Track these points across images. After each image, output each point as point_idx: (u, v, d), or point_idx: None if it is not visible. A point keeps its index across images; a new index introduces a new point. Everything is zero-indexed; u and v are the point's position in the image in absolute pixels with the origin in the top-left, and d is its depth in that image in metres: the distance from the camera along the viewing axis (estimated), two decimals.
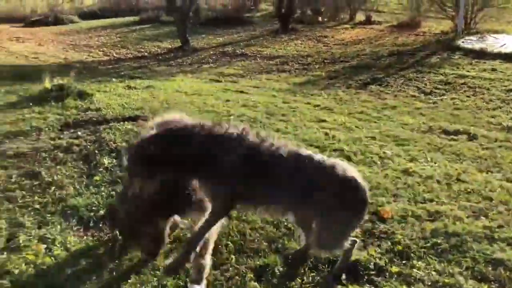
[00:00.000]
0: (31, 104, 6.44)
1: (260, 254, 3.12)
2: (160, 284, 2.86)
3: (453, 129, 5.63)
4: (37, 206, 3.86)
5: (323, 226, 2.66)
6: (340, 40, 13.42)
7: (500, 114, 6.29)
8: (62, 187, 4.16)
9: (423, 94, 7.58)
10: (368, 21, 15.90)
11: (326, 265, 2.98)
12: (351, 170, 2.71)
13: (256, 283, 2.84)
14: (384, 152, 4.86)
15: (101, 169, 4.47)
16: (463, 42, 11.09)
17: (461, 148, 4.98)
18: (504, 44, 10.50)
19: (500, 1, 13.55)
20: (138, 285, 2.87)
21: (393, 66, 9.72)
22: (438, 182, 4.15)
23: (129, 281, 2.92)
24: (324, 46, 12.77)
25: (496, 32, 12.19)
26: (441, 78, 8.36)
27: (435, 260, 3.03)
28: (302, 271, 2.94)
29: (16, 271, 3.02)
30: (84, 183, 4.23)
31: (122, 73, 10.24)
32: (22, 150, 4.90)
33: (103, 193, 4.03)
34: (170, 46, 13.88)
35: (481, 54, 9.87)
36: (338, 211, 2.60)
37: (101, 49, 13.91)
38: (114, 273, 3.01)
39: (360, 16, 16.71)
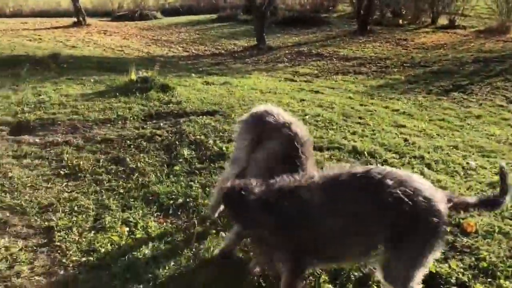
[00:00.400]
0: (117, 94, 6.79)
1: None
2: (234, 274, 2.91)
3: None
4: (122, 191, 4.08)
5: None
6: (421, 44, 12.93)
7: None
8: (144, 174, 4.36)
9: (511, 104, 7.12)
10: (451, 25, 15.18)
11: None
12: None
13: (330, 285, 2.81)
14: (467, 163, 4.62)
15: (180, 160, 4.63)
16: None
17: None
18: None
19: None
20: (216, 273, 2.94)
21: (478, 73, 9.22)
22: None
23: (205, 269, 3.01)
24: (403, 49, 12.36)
25: None
26: None
27: None
28: (376, 277, 2.87)
29: (102, 250, 3.22)
30: (165, 171, 4.41)
31: (201, 69, 10.54)
32: (109, 136, 5.20)
33: (182, 183, 4.17)
34: (246, 44, 14.09)
35: None
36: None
37: (181, 45, 14.40)
38: (191, 261, 3.11)
39: (443, 20, 15.97)
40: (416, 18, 16.69)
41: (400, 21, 16.53)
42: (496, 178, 4.27)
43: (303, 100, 7.24)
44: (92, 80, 7.96)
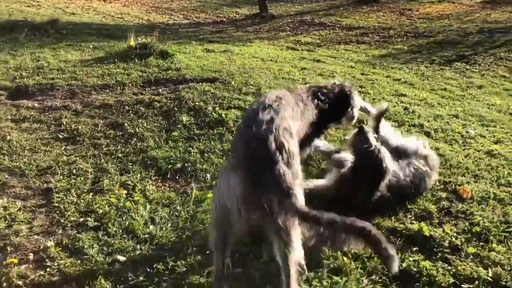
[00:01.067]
0: (116, 60, 6.74)
1: None
2: None
3: None
4: (120, 155, 4.10)
5: None
6: (425, 14, 12.72)
7: None
8: (143, 139, 4.37)
9: None
10: None
11: (398, 238, 2.92)
12: None
13: (325, 248, 2.84)
14: (467, 132, 4.61)
15: (179, 126, 4.63)
16: None
17: None
18: None
19: None
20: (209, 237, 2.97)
21: (482, 44, 9.11)
22: None
23: (202, 231, 3.04)
24: (407, 19, 12.18)
25: None
26: None
27: None
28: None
29: (100, 211, 3.25)
30: (164, 137, 4.42)
31: (201, 36, 10.43)
32: (107, 102, 5.19)
33: (180, 148, 4.18)
34: (248, 13, 13.89)
35: None
36: None
37: (181, 13, 14.21)
38: (188, 223, 3.15)
39: None
40: None
41: None
42: (495, 146, 4.27)
43: (304, 68, 7.18)
44: (91, 47, 7.89)
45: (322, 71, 6.99)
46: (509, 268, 2.66)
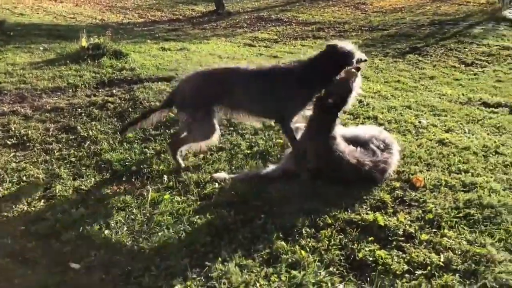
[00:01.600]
0: (68, 61, 6.54)
1: (288, 215, 3.13)
2: (187, 237, 2.92)
3: (494, 101, 5.42)
4: (73, 159, 3.97)
5: None
6: (379, 7, 13.01)
7: None
8: (96, 142, 4.26)
9: (463, 65, 7.30)
10: None
11: (354, 229, 2.97)
12: None
13: (283, 243, 2.85)
14: (419, 122, 4.74)
15: None
16: (509, 13, 10.55)
17: (501, 121, 4.80)
18: None
19: None
20: (168, 237, 2.93)
21: (433, 35, 9.39)
22: (475, 153, 4.02)
23: (159, 234, 2.99)
24: (362, 13, 12.41)
25: None
26: (483, 50, 8.03)
27: (467, 230, 2.97)
28: (330, 233, 2.93)
29: (52, 219, 3.14)
30: (118, 139, 4.32)
31: (157, 35, 10.26)
32: (59, 105, 5.02)
33: (135, 150, 4.10)
34: (204, 10, 13.79)
35: None
36: None
37: (136, 11, 13.94)
38: (145, 226, 3.09)
39: None
40: None
41: None
42: (446, 135, 4.41)
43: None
44: (41, 48, 7.63)
45: None
46: (459, 253, 2.75)
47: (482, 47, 8.14)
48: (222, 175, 3.68)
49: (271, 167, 3.72)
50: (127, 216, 3.20)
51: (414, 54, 8.01)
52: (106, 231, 3.02)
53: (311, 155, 3.55)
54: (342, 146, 3.50)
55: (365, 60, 3.78)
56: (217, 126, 3.72)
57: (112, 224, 3.10)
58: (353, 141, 3.65)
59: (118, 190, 3.55)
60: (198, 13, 13.44)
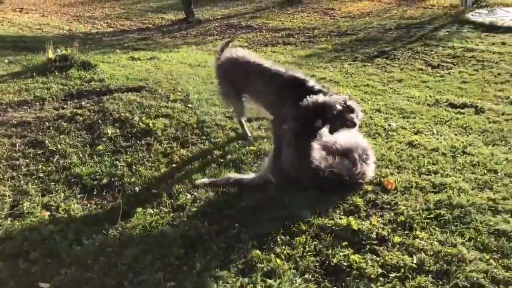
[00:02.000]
0: (34, 74, 6.39)
1: (262, 223, 3.12)
2: (159, 250, 2.88)
3: (460, 102, 5.54)
4: (41, 175, 3.88)
5: None
6: (347, 12, 13.20)
7: (508, 88, 6.18)
8: (65, 156, 4.17)
9: (430, 68, 7.45)
10: None
11: (328, 234, 2.98)
12: None
13: (258, 251, 2.84)
14: (389, 125, 4.82)
15: (104, 139, 4.46)
16: (472, 15, 10.87)
17: (467, 121, 4.92)
18: None
19: None
20: (141, 251, 2.88)
21: (400, 39, 9.55)
22: (444, 154, 4.11)
23: (131, 248, 2.94)
24: (330, 18, 12.56)
25: (507, 5, 11.92)
26: (449, 52, 8.22)
27: (438, 230, 3.02)
28: (304, 240, 2.94)
29: (20, 237, 3.05)
30: (88, 152, 4.24)
31: (126, 44, 10.15)
32: (25, 119, 4.90)
33: (106, 162, 4.03)
34: (174, 18, 13.72)
35: (491, 28, 9.68)
36: None
37: (105, 21, 13.76)
38: (117, 240, 3.03)
39: None
40: None
41: None
42: (415, 137, 4.49)
43: None
44: (6, 61, 7.43)
45: None
46: (431, 253, 2.79)
47: (448, 49, 8.34)
48: (205, 180, 3.68)
49: (252, 175, 3.71)
50: (98, 231, 3.13)
51: (382, 58, 8.14)
52: (77, 248, 2.95)
53: (288, 162, 3.54)
54: (318, 156, 3.50)
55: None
56: None
57: (83, 240, 3.02)
58: (332, 149, 3.65)
59: (88, 204, 3.48)
60: (168, 22, 13.35)
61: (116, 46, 9.81)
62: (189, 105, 5.26)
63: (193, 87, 5.93)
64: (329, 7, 14.03)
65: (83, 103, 5.37)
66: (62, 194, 3.59)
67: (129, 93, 5.65)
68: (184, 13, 13.41)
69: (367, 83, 6.60)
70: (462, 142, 4.35)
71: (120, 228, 3.16)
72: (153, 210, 3.36)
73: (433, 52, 8.27)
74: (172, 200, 3.47)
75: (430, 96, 5.85)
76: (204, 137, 4.48)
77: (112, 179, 3.77)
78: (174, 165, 4.00)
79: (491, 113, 5.18)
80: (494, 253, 2.81)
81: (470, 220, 3.11)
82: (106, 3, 16.83)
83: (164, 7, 15.59)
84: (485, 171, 3.79)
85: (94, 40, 10.54)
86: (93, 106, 5.25)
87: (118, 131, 4.62)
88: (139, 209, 3.35)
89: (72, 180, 3.79)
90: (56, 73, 6.42)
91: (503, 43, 8.54)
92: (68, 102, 5.43)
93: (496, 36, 9.07)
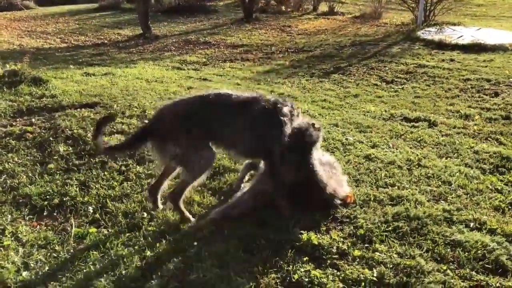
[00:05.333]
0: None
1: (221, 241, 3.05)
2: (114, 272, 2.75)
3: (414, 116, 5.70)
4: None
5: None
6: (304, 30, 13.43)
7: (458, 102, 6.43)
8: (14, 176, 3.96)
9: (384, 83, 7.66)
10: (331, 12, 16.01)
11: (289, 250, 2.95)
12: None
13: (217, 270, 2.76)
14: (346, 139, 4.88)
15: (56, 157, 4.28)
16: (423, 33, 11.30)
17: (421, 135, 5.05)
18: (461, 36, 10.77)
19: None
20: (93, 274, 2.75)
21: (355, 55, 9.79)
22: (400, 167, 4.19)
23: (84, 270, 2.79)
24: (287, 35, 12.74)
25: (454, 24, 12.49)
26: (402, 68, 8.48)
27: (397, 243, 3.05)
28: (265, 256, 2.89)
29: None
30: (38, 171, 4.05)
31: (81, 60, 9.89)
32: None
33: (57, 182, 3.86)
34: (131, 34, 13.52)
35: (440, 45, 10.08)
36: None
37: (58, 36, 13.38)
38: (68, 263, 2.87)
39: (323, 7, 16.80)
40: (299, 6, 17.33)
41: (284, 8, 17.04)
42: (372, 150, 4.56)
43: (191, 87, 7.11)
44: None
45: (208, 89, 6.95)
46: (391, 266, 2.81)
47: (401, 65, 8.61)
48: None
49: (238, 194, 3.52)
50: (48, 254, 2.97)
51: (338, 74, 8.31)
52: (25, 273, 2.78)
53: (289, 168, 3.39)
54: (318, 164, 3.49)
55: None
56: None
57: (32, 264, 2.86)
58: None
59: (38, 226, 3.31)
60: (125, 37, 13.13)
61: (70, 61, 9.53)
62: (146, 121, 5.14)
63: (149, 102, 5.82)
64: (286, 24, 14.24)
65: (33, 120, 5.15)
66: (9, 216, 3.39)
67: (83, 109, 5.47)
68: (141, 28, 13.24)
69: (324, 98, 6.69)
70: (417, 155, 4.46)
71: (72, 250, 3.01)
72: (108, 231, 3.23)
73: (387, 68, 8.52)
74: (128, 219, 3.35)
75: (385, 111, 5.99)
76: None
77: (64, 199, 3.60)
78: (129, 183, 3.87)
79: (443, 127, 5.36)
80: (451, 263, 2.86)
81: (427, 231, 3.16)
82: (60, 18, 16.40)
83: (120, 23, 15.36)
84: (440, 183, 3.88)
85: (47, 56, 10.20)
86: (44, 123, 5.04)
87: (70, 148, 4.45)
88: (93, 230, 3.22)
89: (21, 200, 3.60)
90: (5, 89, 6.15)
91: (452, 60, 8.90)
92: (18, 119, 5.20)
93: (445, 53, 9.46)
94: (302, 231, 3.14)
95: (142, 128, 3.56)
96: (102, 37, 13.23)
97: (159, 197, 3.50)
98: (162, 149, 3.21)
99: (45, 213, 3.46)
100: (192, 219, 3.32)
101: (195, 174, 3.24)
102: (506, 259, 2.88)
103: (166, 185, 3.51)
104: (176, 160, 3.23)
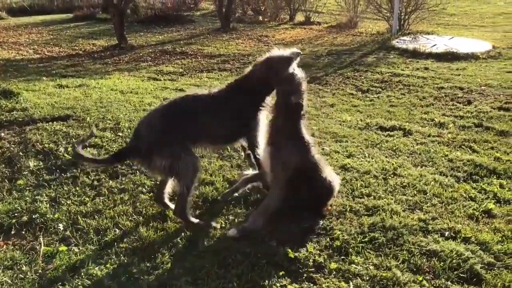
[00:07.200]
0: None
1: (196, 257, 2.98)
2: None
3: (389, 125, 5.74)
4: None
5: None
6: (281, 39, 13.49)
7: (432, 110, 6.51)
8: None
9: (360, 92, 7.72)
10: (307, 22, 16.13)
11: (265, 264, 2.90)
12: None
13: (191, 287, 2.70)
14: (323, 149, 4.87)
15: (25, 172, 4.15)
16: (397, 42, 11.48)
17: (396, 144, 5.09)
18: (435, 45, 10.97)
19: (431, 4, 14.14)
20: None
21: (331, 65, 9.86)
22: (375, 177, 4.19)
23: None
24: (265, 45, 12.77)
25: (428, 33, 12.74)
26: (377, 77, 8.57)
27: (373, 254, 3.04)
28: (240, 271, 2.83)
29: None
30: (6, 187, 3.92)
31: (54, 71, 9.69)
32: None
33: (27, 198, 3.74)
34: (106, 44, 13.34)
35: (414, 54, 10.25)
36: None
37: (31, 47, 13.12)
38: (36, 285, 2.77)
39: (300, 17, 16.93)
40: (276, 16, 17.43)
41: (261, 18, 17.11)
42: (348, 160, 4.56)
43: (167, 98, 7.01)
44: None
45: None
46: (367, 278, 2.79)
47: (376, 74, 8.71)
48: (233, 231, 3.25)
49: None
50: (15, 275, 2.86)
51: (315, 84, 8.34)
52: None
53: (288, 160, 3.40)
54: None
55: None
56: None
57: None
58: None
59: (5, 246, 3.18)
60: (100, 48, 12.96)
61: (42, 73, 9.33)
62: (119, 134, 5.04)
63: (124, 114, 5.72)
64: (263, 34, 14.28)
65: (2, 134, 5.00)
66: None
67: (55, 122, 5.34)
68: (117, 39, 13.10)
69: None
70: (392, 164, 4.47)
71: (40, 271, 2.90)
72: (79, 249, 3.13)
73: (362, 77, 8.59)
74: (100, 237, 3.26)
75: (361, 120, 6.02)
76: (135, 168, 4.29)
77: (33, 216, 3.49)
78: (101, 198, 3.77)
79: (418, 135, 5.41)
80: (427, 274, 2.86)
81: (403, 242, 3.16)
82: (33, 29, 16.10)
83: (95, 33, 15.16)
84: (415, 192, 3.90)
85: (19, 67, 9.98)
86: (14, 137, 4.90)
87: (41, 163, 4.33)
88: (63, 248, 3.11)
89: None
90: None
91: (426, 68, 9.04)
92: None
93: (420, 61, 9.61)
94: (278, 244, 3.10)
95: (121, 150, 3.63)
96: (77, 48, 13.03)
97: (167, 200, 3.55)
98: (150, 165, 3.27)
99: (12, 232, 3.34)
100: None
101: (188, 182, 3.26)
102: (480, 268, 2.89)
103: (169, 188, 3.53)
104: (166, 173, 3.29)
